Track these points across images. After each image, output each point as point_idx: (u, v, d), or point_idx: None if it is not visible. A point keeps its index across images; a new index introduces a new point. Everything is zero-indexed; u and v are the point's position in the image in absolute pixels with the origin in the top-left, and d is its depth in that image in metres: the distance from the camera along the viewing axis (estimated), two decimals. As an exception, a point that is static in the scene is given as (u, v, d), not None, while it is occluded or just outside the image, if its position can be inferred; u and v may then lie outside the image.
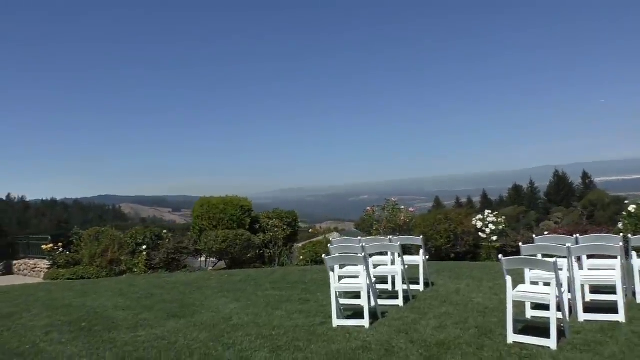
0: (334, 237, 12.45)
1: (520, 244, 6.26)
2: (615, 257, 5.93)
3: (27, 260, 15.97)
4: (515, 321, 5.32)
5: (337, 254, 6.91)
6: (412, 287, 7.82)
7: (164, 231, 14.15)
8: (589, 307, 5.86)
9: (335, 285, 6.25)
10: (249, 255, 12.71)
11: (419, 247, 8.06)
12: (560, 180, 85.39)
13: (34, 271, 15.23)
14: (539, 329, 5.15)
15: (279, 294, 8.42)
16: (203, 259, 14.09)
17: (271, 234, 13.20)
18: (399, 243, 7.43)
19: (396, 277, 7.31)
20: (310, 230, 15.55)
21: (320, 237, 14.50)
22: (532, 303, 5.81)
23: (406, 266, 7.58)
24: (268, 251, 13.22)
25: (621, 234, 7.13)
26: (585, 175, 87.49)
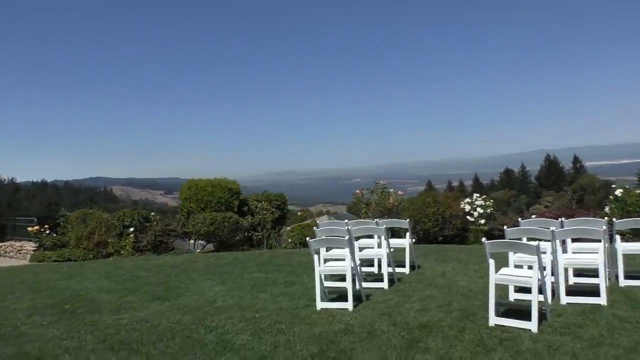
0: (321, 220, 12.43)
1: (505, 227, 6.25)
2: (599, 241, 5.93)
3: (13, 242, 15.85)
4: (498, 304, 5.33)
5: (323, 237, 6.86)
6: (398, 270, 7.82)
7: (152, 213, 14.06)
8: (572, 290, 5.88)
9: (319, 268, 6.22)
10: (237, 238, 12.66)
11: (406, 230, 8.04)
12: (551, 165, 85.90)
13: (20, 253, 15.12)
14: (521, 311, 5.16)
15: (265, 276, 8.40)
16: (192, 241, 14.04)
17: (259, 217, 13.14)
18: (384, 226, 7.40)
19: (382, 260, 7.29)
20: (298, 213, 15.47)
21: (309, 220, 14.47)
22: (515, 286, 5.81)
23: (392, 249, 7.56)
24: (256, 234, 13.18)
25: (606, 218, 7.15)
26: (576, 160, 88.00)
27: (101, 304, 7.14)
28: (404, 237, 8.13)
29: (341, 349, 4.68)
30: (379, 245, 7.88)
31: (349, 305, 5.96)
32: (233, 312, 6.17)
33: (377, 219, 8.55)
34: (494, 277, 5.23)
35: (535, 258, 5.02)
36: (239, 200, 13.31)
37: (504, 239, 6.06)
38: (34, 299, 7.69)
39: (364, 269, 7.87)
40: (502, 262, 6.09)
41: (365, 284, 7.02)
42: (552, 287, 5.85)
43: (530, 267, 5.49)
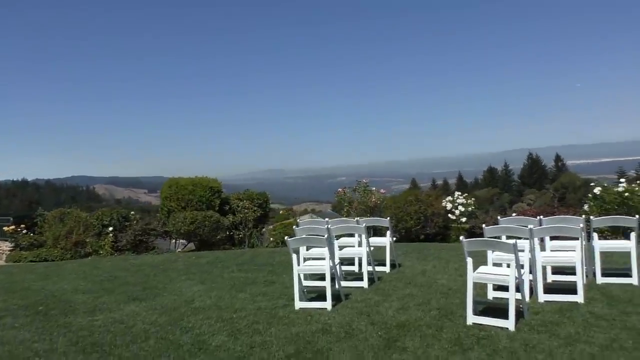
0: (303, 219, 12.35)
1: (484, 225, 6.24)
2: (577, 239, 5.95)
3: (-11, 242, 15.50)
4: (476, 302, 5.32)
5: (301, 236, 6.80)
6: (379, 268, 7.79)
7: (132, 212, 13.86)
8: (550, 288, 5.89)
9: (297, 268, 6.16)
10: (218, 237, 12.54)
11: (387, 228, 8.01)
12: (533, 163, 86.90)
13: (-4, 253, 14.80)
14: (499, 310, 5.15)
15: (245, 276, 8.31)
16: (173, 241, 13.87)
17: (241, 216, 13.03)
18: (364, 225, 7.35)
19: (362, 259, 7.25)
20: (280, 212, 15.37)
21: (292, 219, 14.38)
22: (493, 284, 5.81)
23: (372, 248, 7.53)
24: (238, 233, 13.07)
25: (583, 216, 7.19)
26: (558, 158, 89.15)
27: (76, 305, 6.99)
28: (386, 235, 8.10)
29: (318, 350, 4.63)
30: (360, 244, 7.84)
31: (327, 304, 5.91)
32: (210, 313, 6.08)
33: (358, 218, 8.52)
34: (472, 276, 5.22)
35: (512, 256, 5.01)
36: (220, 199, 13.17)
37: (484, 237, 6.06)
38: (7, 300, 7.51)
39: (345, 268, 7.83)
40: (481, 260, 6.09)
41: (345, 283, 6.99)
42: (531, 285, 5.86)
43: (509, 266, 5.49)
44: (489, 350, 4.36)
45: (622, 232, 9.19)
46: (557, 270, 6.51)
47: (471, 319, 5.08)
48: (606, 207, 10.25)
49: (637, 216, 6.69)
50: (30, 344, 5.30)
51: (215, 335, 5.22)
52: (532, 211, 11.41)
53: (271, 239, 12.47)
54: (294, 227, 7.56)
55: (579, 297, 5.58)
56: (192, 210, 12.38)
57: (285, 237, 6.34)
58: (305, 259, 7.23)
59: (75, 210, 13.64)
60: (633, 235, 6.38)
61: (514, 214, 10.17)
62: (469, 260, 5.23)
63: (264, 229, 13.62)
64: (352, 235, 8.11)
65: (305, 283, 6.88)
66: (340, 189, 13.17)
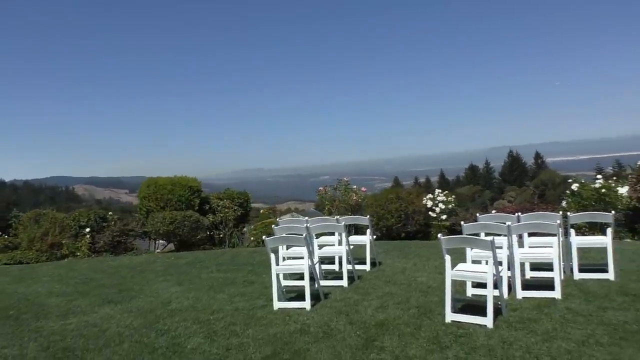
0: (283, 218, 12.27)
1: (462, 222, 6.23)
2: (554, 235, 5.97)
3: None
4: (455, 300, 5.31)
5: (279, 235, 6.72)
6: (359, 267, 7.74)
7: (109, 213, 13.61)
8: (528, 285, 5.90)
9: (276, 268, 6.08)
10: (198, 237, 12.38)
11: (367, 226, 7.96)
12: (514, 161, 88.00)
13: (-31, 256, 14.40)
14: (478, 307, 5.14)
15: (224, 276, 8.20)
16: (153, 241, 13.66)
17: (221, 215, 12.88)
18: (343, 223, 7.30)
19: (342, 257, 7.20)
20: (261, 211, 15.24)
21: (272, 218, 14.27)
22: (472, 281, 5.80)
23: (352, 246, 7.48)
24: (218, 233, 12.92)
25: (560, 212, 7.24)
26: (537, 156, 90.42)
27: (49, 308, 6.82)
28: (366, 233, 8.05)
29: (295, 350, 4.56)
30: (340, 243, 7.79)
31: (306, 304, 5.84)
32: (187, 314, 5.97)
33: (338, 216, 8.47)
34: (450, 273, 5.20)
35: (490, 253, 5.01)
36: (200, 198, 13.00)
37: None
38: (-23, 304, 7.29)
39: (325, 267, 7.77)
40: (461, 257, 6.09)
41: (325, 282, 6.93)
42: (509, 281, 5.87)
43: (487, 263, 5.49)
44: (467, 348, 4.33)
45: (599, 228, 9.30)
46: (535, 267, 6.53)
47: (450, 316, 5.06)
48: (584, 204, 10.35)
49: (613, 212, 6.76)
50: (0, 350, 5.14)
51: (191, 337, 5.12)
52: (512, 208, 11.48)
53: (252, 238, 12.35)
54: (272, 226, 7.47)
55: (556, 293, 5.60)
56: (171, 210, 12.20)
57: (264, 237, 6.25)
58: (284, 259, 7.16)
59: (50, 212, 13.35)
60: (609, 230, 6.44)
61: (493, 211, 10.20)
62: (447, 258, 5.21)
63: (244, 229, 13.49)
64: (332, 234, 8.06)
65: (285, 283, 6.81)
66: (321, 188, 13.10)
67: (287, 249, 7.39)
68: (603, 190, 10.38)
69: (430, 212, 11.96)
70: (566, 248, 6.53)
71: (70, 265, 10.80)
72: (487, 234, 6.02)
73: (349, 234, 9.91)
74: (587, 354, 4.07)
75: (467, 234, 5.94)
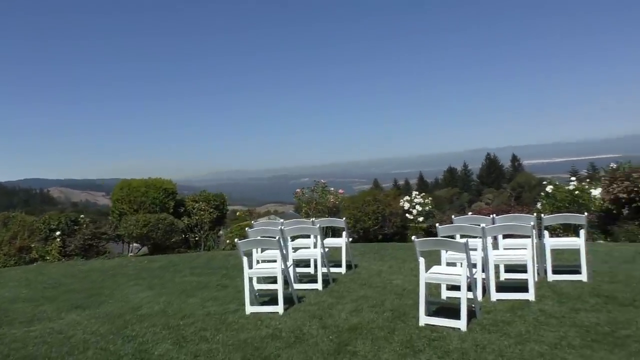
0: (259, 221, 12.12)
1: (437, 224, 6.20)
2: (529, 237, 5.97)
3: None
4: (429, 303, 5.26)
5: (252, 238, 6.59)
6: (335, 270, 7.67)
7: (81, 216, 13.26)
8: (502, 287, 5.88)
9: (248, 271, 5.95)
10: (172, 240, 12.14)
11: (343, 229, 7.89)
12: (491, 163, 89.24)
13: None
14: (452, 310, 5.09)
15: (197, 280, 8.03)
16: (127, 244, 13.38)
17: (197, 218, 12.67)
18: (318, 225, 7.21)
19: (317, 260, 7.10)
20: (237, 213, 15.05)
21: (249, 221, 14.08)
22: (447, 284, 5.76)
23: (327, 249, 7.40)
24: (194, 235, 12.71)
25: (535, 214, 7.26)
26: (514, 158, 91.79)
27: (14, 314, 6.58)
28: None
29: (265, 356, 4.45)
30: (315, 245, 7.70)
31: (279, 308, 5.73)
32: (157, 320, 5.80)
33: (314, 219, 8.37)
34: (424, 276, 5.14)
35: (464, 255, 4.97)
36: (175, 201, 12.76)
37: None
38: (-62, 311, 6.99)
39: (300, 270, 7.68)
40: (436, 259, 6.05)
41: (299, 286, 6.83)
42: (483, 283, 5.85)
43: (462, 265, 5.45)
44: (440, 352, 4.27)
45: (573, 230, 9.39)
46: (509, 269, 6.53)
47: (424, 320, 5.01)
48: (558, 205, 10.46)
49: (586, 214, 6.80)
50: (-43, 359, 4.92)
51: (159, 343, 4.96)
52: (488, 210, 11.54)
53: (227, 241, 12.17)
54: (246, 229, 7.34)
55: (530, 295, 5.59)
56: (145, 213, 11.95)
57: (236, 240, 6.12)
58: (258, 262, 7.04)
59: (19, 214, 12.97)
60: (582, 232, 6.47)
61: (469, 213, 10.24)
62: (421, 261, 5.15)
63: (221, 232, 13.30)
64: (308, 236, 7.96)
65: (259, 286, 6.69)
66: (298, 190, 13.00)
67: (261, 251, 7.27)
68: (577, 192, 10.51)
69: (407, 214, 11.96)
70: (540, 250, 6.55)
71: (39, 270, 10.49)
72: (462, 236, 5.99)
73: (325, 236, 9.84)
74: (559, 356, 4.04)
75: (442, 236, 5.90)
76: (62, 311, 6.56)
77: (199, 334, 5.17)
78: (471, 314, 5.00)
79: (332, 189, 12.77)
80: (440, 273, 5.26)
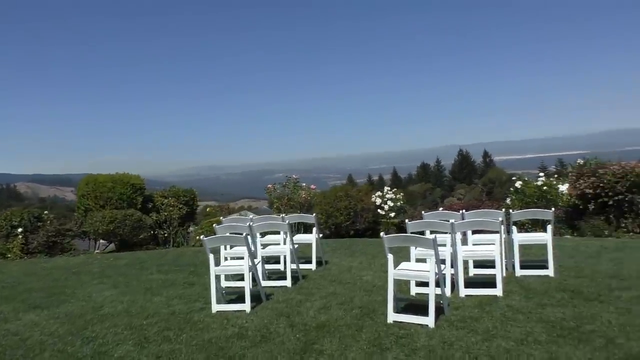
0: (230, 217, 11.94)
1: (407, 220, 6.16)
2: (497, 232, 5.99)
3: None
4: (398, 299, 5.22)
5: (219, 235, 6.45)
6: (305, 266, 7.59)
7: (45, 212, 12.83)
8: (471, 282, 5.89)
9: (214, 269, 5.80)
10: (140, 237, 11.86)
11: (314, 225, 7.80)
12: (463, 159, 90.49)
13: None
14: (420, 306, 5.06)
15: (164, 277, 7.83)
16: (93, 241, 13.00)
17: (165, 214, 12.40)
18: (287, 222, 7.10)
19: (286, 256, 6.99)
20: (207, 209, 14.81)
21: (221, 217, 13.87)
22: (416, 280, 5.72)
23: (297, 245, 7.30)
24: (162, 232, 12.44)
25: (504, 210, 7.30)
26: (486, 155, 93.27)
27: (-33, 316, 6.27)
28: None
29: (230, 356, 4.32)
30: (285, 242, 7.59)
31: (246, 306, 5.60)
32: (119, 320, 5.60)
33: (283, 214, 8.26)
34: (393, 273, 5.09)
35: (432, 251, 4.93)
36: (143, 197, 12.45)
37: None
38: None
39: (270, 267, 7.57)
40: (406, 255, 6.02)
41: (268, 283, 6.72)
42: (452, 279, 5.84)
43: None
44: (408, 349, 4.22)
45: (541, 225, 9.50)
46: (478, 264, 6.55)
47: (392, 317, 4.95)
48: (526, 201, 10.58)
49: (553, 209, 6.86)
50: None
51: (119, 345, 4.78)
52: (459, 205, 11.61)
53: (197, 237, 11.95)
54: (214, 225, 7.18)
55: (498, 291, 5.60)
56: (111, 209, 11.63)
57: (202, 236, 5.96)
58: (226, 259, 6.89)
59: (-21, 211, 12.47)
60: (549, 227, 6.52)
61: (441, 209, 10.28)
62: (390, 257, 5.10)
63: (190, 228, 13.05)
64: (278, 232, 7.85)
65: (226, 284, 6.56)
66: (269, 185, 12.84)
67: (230, 248, 7.13)
68: (545, 187, 10.64)
69: (379, 210, 11.94)
70: (509, 245, 6.58)
71: (-2, 268, 10.09)
72: (432, 232, 5.97)
73: (297, 232, 9.74)
74: (525, 352, 4.03)
75: (411, 232, 5.86)
76: (19, 311, 6.28)
77: (162, 334, 5.01)
78: (439, 311, 4.97)
79: (305, 184, 12.66)
80: (408, 269, 5.21)
